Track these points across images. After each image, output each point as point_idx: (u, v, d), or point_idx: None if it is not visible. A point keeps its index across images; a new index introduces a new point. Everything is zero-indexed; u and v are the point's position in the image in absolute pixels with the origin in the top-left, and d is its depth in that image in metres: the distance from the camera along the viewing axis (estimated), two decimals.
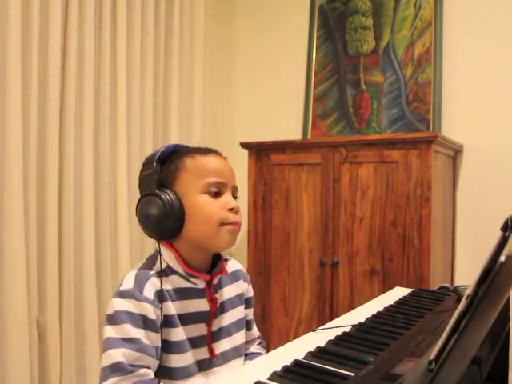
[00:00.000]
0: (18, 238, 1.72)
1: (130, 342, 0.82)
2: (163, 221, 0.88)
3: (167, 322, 0.87)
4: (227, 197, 0.92)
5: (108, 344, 0.83)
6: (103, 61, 2.08)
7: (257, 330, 1.13)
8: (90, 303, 1.98)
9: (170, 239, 0.92)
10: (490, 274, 0.47)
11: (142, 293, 0.85)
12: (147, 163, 0.94)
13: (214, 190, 0.90)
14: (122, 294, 0.86)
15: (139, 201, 0.92)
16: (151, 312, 0.84)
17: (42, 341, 1.83)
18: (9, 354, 1.70)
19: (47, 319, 1.84)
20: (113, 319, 0.84)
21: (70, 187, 1.93)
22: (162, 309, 0.86)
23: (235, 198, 0.95)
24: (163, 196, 0.88)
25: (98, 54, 2.07)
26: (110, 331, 0.83)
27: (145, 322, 0.84)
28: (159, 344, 0.85)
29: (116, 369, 0.80)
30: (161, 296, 0.87)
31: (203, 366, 0.92)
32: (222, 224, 0.89)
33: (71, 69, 1.92)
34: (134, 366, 0.81)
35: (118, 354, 0.81)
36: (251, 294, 1.10)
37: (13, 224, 1.71)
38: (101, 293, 2.02)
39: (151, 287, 0.87)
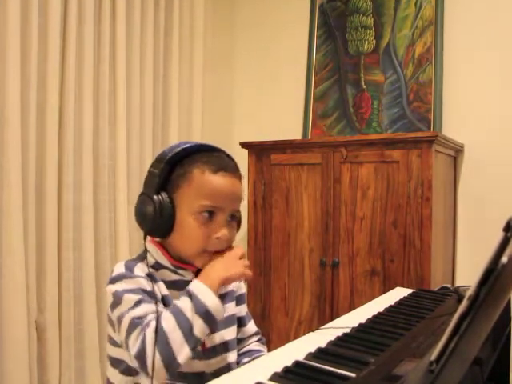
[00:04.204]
0: (17, 238, 1.71)
1: (136, 304, 0.84)
2: (153, 223, 0.89)
3: (163, 300, 0.90)
4: (218, 223, 0.89)
5: (120, 318, 0.84)
6: (102, 61, 2.08)
7: (254, 326, 1.13)
8: (90, 304, 1.97)
9: (159, 238, 0.94)
10: (492, 275, 0.46)
11: (133, 273, 0.88)
12: (158, 161, 0.91)
13: (206, 214, 0.88)
14: (115, 279, 0.88)
15: (139, 196, 0.93)
16: (145, 284, 0.87)
17: (41, 341, 1.83)
18: (8, 354, 1.69)
19: (46, 320, 1.83)
20: (114, 301, 0.86)
21: (69, 187, 1.93)
22: (153, 288, 0.87)
23: (234, 217, 0.93)
24: (157, 201, 0.88)
25: (97, 54, 2.06)
26: (118, 310, 0.85)
27: (143, 292, 0.86)
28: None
29: (131, 328, 0.82)
30: (150, 278, 0.88)
31: (196, 356, 0.92)
32: (203, 251, 0.89)
33: (70, 68, 1.92)
34: (142, 317, 0.83)
35: (129, 316, 0.83)
36: (243, 290, 1.10)
37: (12, 224, 1.71)
38: (100, 293, 2.01)
39: (141, 271, 0.89)
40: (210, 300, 0.81)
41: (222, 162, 0.93)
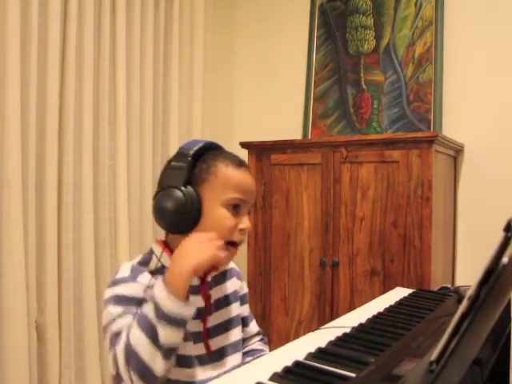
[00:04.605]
0: (17, 238, 1.71)
1: (117, 318, 0.83)
2: (182, 216, 0.88)
3: None
4: (244, 216, 0.93)
5: (104, 328, 0.85)
6: (102, 60, 2.07)
7: (256, 326, 1.13)
8: (90, 304, 1.97)
9: (180, 234, 0.92)
10: (493, 275, 0.46)
11: (135, 279, 0.88)
12: (181, 154, 0.92)
13: (234, 205, 0.91)
14: (114, 282, 0.88)
15: (161, 190, 0.91)
16: (140, 291, 0.86)
17: (41, 341, 1.83)
18: (8, 354, 1.69)
19: (46, 320, 1.83)
20: (104, 306, 0.87)
21: (69, 187, 1.93)
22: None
23: (248, 213, 0.96)
24: (188, 195, 0.88)
25: (97, 53, 2.06)
26: (104, 318, 0.86)
27: (134, 301, 0.85)
28: None
29: (112, 343, 0.81)
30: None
31: (201, 361, 0.93)
32: (227, 242, 0.90)
33: (70, 68, 1.92)
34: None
35: (109, 335, 0.83)
36: (245, 290, 1.11)
37: (12, 224, 1.70)
38: (100, 293, 2.01)
39: (145, 279, 0.89)
40: (170, 305, 0.78)
41: (240, 159, 0.97)
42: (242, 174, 0.93)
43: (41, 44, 1.83)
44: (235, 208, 0.91)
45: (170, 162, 0.93)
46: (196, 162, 0.92)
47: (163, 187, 0.90)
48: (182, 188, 0.89)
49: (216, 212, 0.90)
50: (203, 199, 0.90)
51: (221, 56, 2.76)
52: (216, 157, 0.93)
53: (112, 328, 0.83)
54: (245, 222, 0.92)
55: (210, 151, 0.95)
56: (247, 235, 0.96)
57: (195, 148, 0.92)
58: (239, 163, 0.94)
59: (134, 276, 0.88)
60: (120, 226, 2.14)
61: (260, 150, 2.16)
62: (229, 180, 0.91)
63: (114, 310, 0.84)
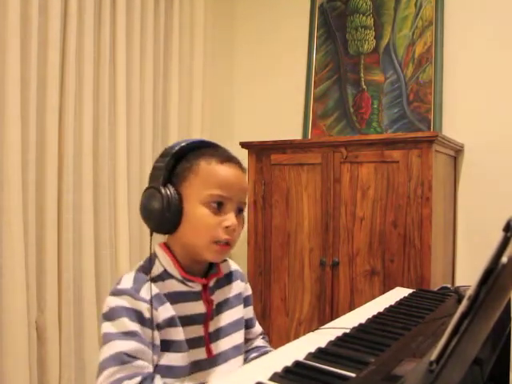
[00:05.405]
0: (17, 239, 1.71)
1: (128, 334, 0.82)
2: (161, 216, 0.87)
3: (168, 322, 0.87)
4: (228, 213, 0.89)
5: (106, 338, 0.83)
6: (103, 60, 2.07)
7: (259, 327, 1.14)
8: (90, 304, 1.97)
9: (166, 234, 0.93)
10: (492, 275, 0.46)
11: (138, 293, 0.85)
12: (163, 155, 0.91)
13: (215, 204, 0.88)
14: (119, 292, 0.86)
15: (144, 191, 0.91)
16: (146, 310, 0.84)
17: (41, 341, 1.83)
18: (8, 354, 1.69)
19: (46, 320, 1.83)
20: (109, 315, 0.84)
21: (69, 187, 1.92)
22: (152, 309, 0.85)
23: (241, 210, 0.92)
24: (164, 193, 0.87)
25: (97, 53, 2.06)
26: (108, 327, 0.83)
27: (140, 318, 0.83)
28: (156, 342, 0.85)
29: (113, 360, 0.80)
30: (156, 300, 0.86)
31: (201, 366, 0.92)
32: (213, 241, 0.88)
33: (70, 68, 1.91)
34: (131, 356, 0.80)
35: (116, 346, 0.81)
36: (249, 292, 1.10)
37: (12, 224, 1.70)
38: (100, 293, 2.01)
39: (148, 291, 0.87)
40: None
41: (228, 154, 0.94)
42: (225, 169, 0.90)
43: (41, 44, 1.83)
44: (219, 206, 0.88)
45: (155, 161, 0.92)
46: (179, 160, 0.91)
47: (145, 188, 0.91)
48: (160, 188, 0.87)
49: (196, 210, 0.87)
50: (184, 198, 0.88)
51: (221, 57, 2.76)
52: (200, 154, 0.91)
53: (124, 345, 0.81)
54: (229, 219, 0.88)
55: (199, 150, 0.92)
56: (241, 233, 0.94)
57: (176, 148, 0.91)
58: (224, 159, 0.91)
59: (136, 289, 0.86)
60: (120, 226, 2.14)
61: (260, 150, 2.16)
62: (209, 176, 0.88)
63: (127, 322, 0.82)
